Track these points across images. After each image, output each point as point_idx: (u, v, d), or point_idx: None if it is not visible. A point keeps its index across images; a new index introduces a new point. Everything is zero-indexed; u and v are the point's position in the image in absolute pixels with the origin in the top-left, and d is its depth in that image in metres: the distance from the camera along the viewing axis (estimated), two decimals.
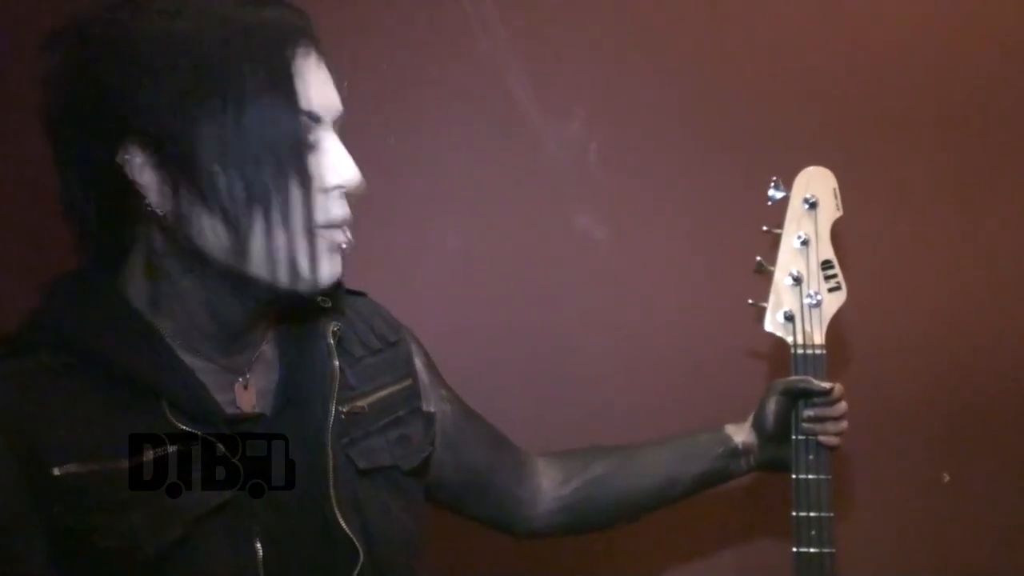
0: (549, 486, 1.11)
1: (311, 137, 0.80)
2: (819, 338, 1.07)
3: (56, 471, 0.73)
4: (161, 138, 0.74)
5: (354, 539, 0.83)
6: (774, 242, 1.10)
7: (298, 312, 0.89)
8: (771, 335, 1.08)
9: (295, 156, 0.77)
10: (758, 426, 1.09)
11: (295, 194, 0.77)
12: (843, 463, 1.24)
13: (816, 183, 1.08)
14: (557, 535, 1.12)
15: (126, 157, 0.75)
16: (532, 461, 1.12)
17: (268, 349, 0.89)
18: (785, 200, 1.09)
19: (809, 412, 1.05)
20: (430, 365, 1.04)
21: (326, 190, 0.81)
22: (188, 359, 0.81)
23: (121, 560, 0.74)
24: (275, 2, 0.79)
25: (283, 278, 0.79)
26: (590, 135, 1.34)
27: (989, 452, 1.33)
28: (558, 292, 1.35)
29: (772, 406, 1.07)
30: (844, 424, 1.06)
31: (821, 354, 1.07)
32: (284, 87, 0.76)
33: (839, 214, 1.08)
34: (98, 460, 0.74)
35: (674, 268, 1.34)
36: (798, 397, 1.05)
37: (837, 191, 1.08)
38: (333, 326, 0.89)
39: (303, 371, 0.88)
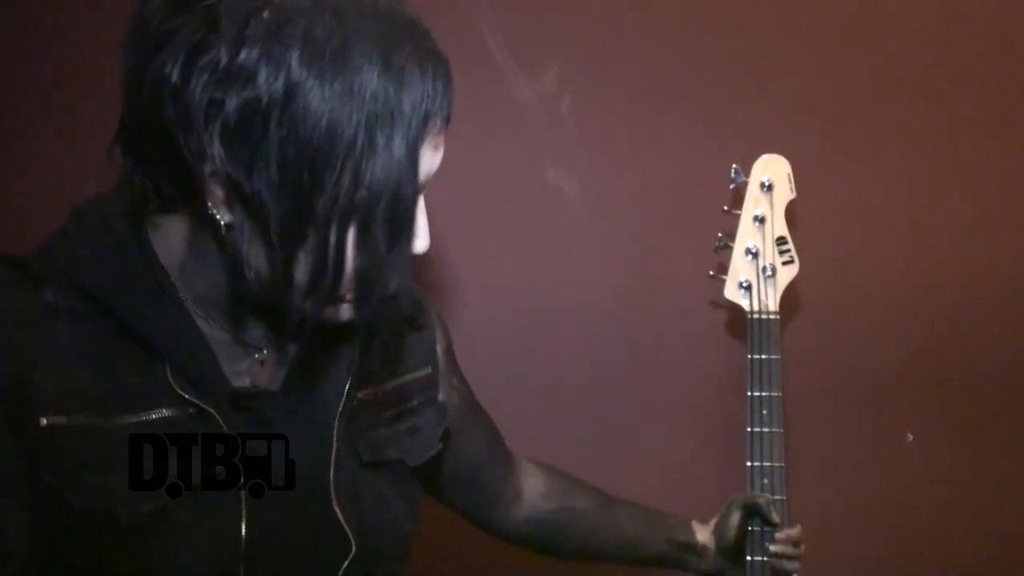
0: (529, 495, 1.09)
1: None
2: (773, 305, 1.18)
3: (43, 420, 0.69)
4: (249, 187, 0.66)
5: (348, 532, 0.79)
6: (734, 222, 1.21)
7: None
8: (730, 302, 1.20)
9: (405, 230, 0.71)
10: (719, 535, 1.10)
11: (375, 260, 0.71)
12: (800, 426, 1.33)
13: (772, 168, 1.20)
14: (519, 544, 1.11)
15: (207, 170, 0.67)
16: (519, 463, 1.10)
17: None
18: (744, 184, 1.20)
19: (771, 547, 1.09)
20: (449, 351, 0.99)
21: None
22: (203, 327, 0.76)
23: (95, 523, 0.70)
24: (433, 67, 0.70)
25: (313, 313, 0.73)
26: (563, 89, 1.35)
27: (942, 409, 1.39)
28: (528, 245, 1.37)
29: (735, 520, 1.09)
30: (802, 549, 1.10)
31: (775, 319, 1.18)
32: (412, 167, 0.69)
33: (792, 196, 1.20)
34: (88, 415, 0.70)
35: (641, 230, 1.39)
36: (753, 514, 1.10)
37: (791, 176, 1.20)
38: None
39: (321, 349, 0.82)
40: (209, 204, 0.69)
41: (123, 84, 0.70)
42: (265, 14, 0.64)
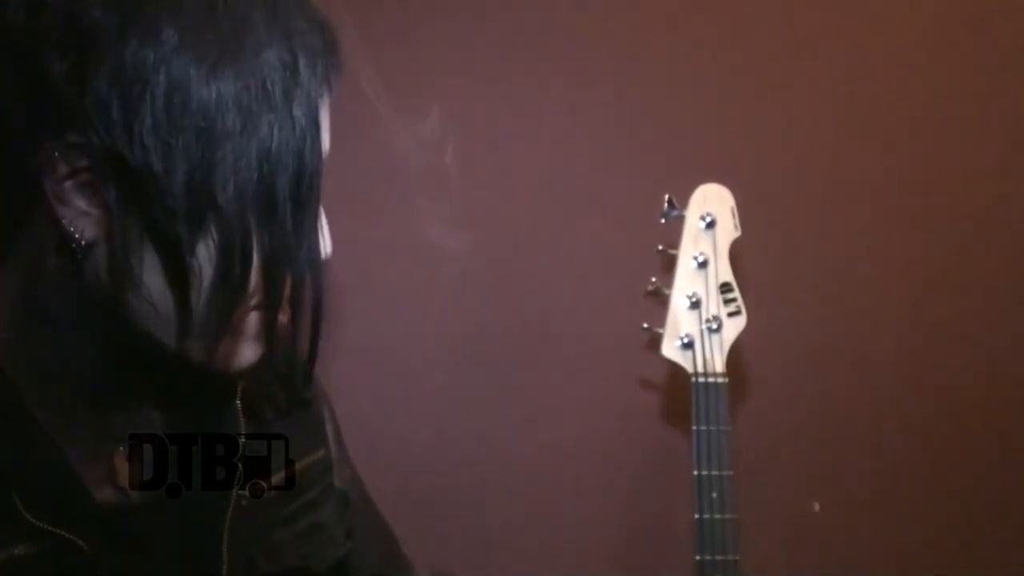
0: None
1: None
2: (720, 366, 1.02)
3: None
4: (124, 152, 0.55)
5: None
6: (668, 263, 1.05)
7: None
8: (668, 361, 1.03)
9: (311, 208, 0.63)
10: None
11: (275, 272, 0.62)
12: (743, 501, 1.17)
13: (713, 201, 1.04)
14: None
15: (54, 159, 0.57)
16: (418, 574, 0.99)
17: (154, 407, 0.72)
18: (680, 219, 1.04)
19: None
20: (338, 434, 0.87)
21: None
22: (52, 420, 0.63)
23: None
24: (321, 26, 0.63)
25: (201, 357, 0.63)
26: (448, 135, 1.23)
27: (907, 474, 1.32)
28: (414, 306, 1.26)
29: None
30: None
31: (722, 383, 1.02)
32: (315, 133, 0.62)
33: (737, 234, 1.04)
34: None
35: (552, 286, 1.27)
36: None
37: (735, 210, 1.04)
38: (240, 382, 0.72)
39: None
40: (64, 222, 0.57)
41: None
42: None
